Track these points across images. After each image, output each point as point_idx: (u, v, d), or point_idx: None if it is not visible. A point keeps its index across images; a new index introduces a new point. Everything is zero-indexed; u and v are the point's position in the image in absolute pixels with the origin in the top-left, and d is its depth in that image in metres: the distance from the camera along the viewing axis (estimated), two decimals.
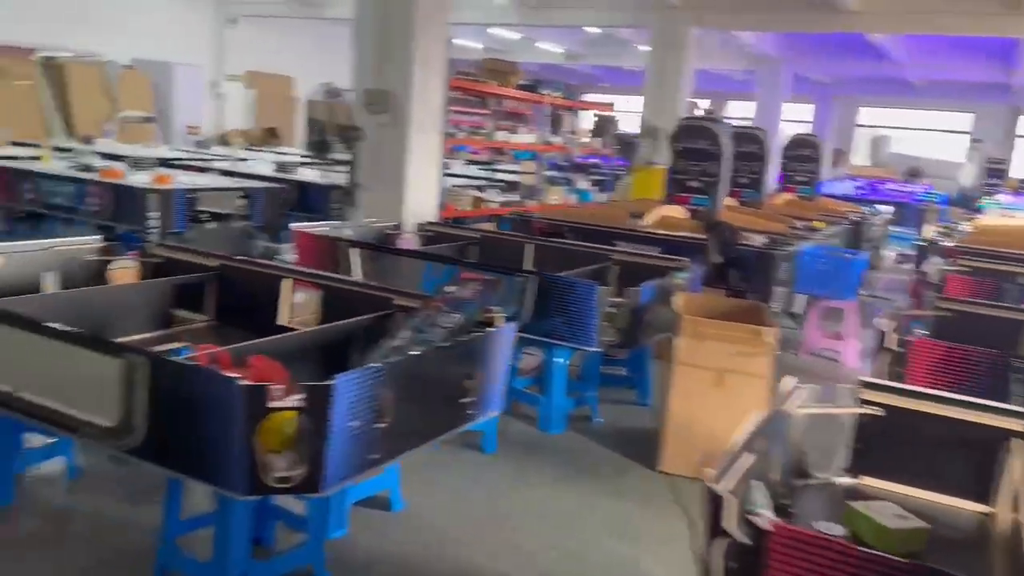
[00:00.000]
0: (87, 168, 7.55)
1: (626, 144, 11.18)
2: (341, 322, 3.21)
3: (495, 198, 8.67)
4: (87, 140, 11.62)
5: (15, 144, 11.68)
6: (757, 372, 4.06)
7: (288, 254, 6.52)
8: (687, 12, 13.05)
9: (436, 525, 3.53)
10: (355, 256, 4.79)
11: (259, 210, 7.61)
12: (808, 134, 13.69)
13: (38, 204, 7.38)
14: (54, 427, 2.60)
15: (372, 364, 2.45)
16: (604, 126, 11.21)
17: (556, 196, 9.56)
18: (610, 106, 11.24)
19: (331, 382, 2.21)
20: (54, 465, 3.50)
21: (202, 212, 7.22)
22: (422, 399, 2.66)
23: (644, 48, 19.68)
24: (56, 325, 2.56)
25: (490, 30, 19.86)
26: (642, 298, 4.58)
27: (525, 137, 8.93)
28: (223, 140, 16.17)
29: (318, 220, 8.51)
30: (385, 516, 3.54)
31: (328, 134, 6.77)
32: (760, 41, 17.61)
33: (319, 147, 6.70)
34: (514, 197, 9.15)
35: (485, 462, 4.26)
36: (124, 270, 4.05)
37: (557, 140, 9.72)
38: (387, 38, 7.12)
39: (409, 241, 5.90)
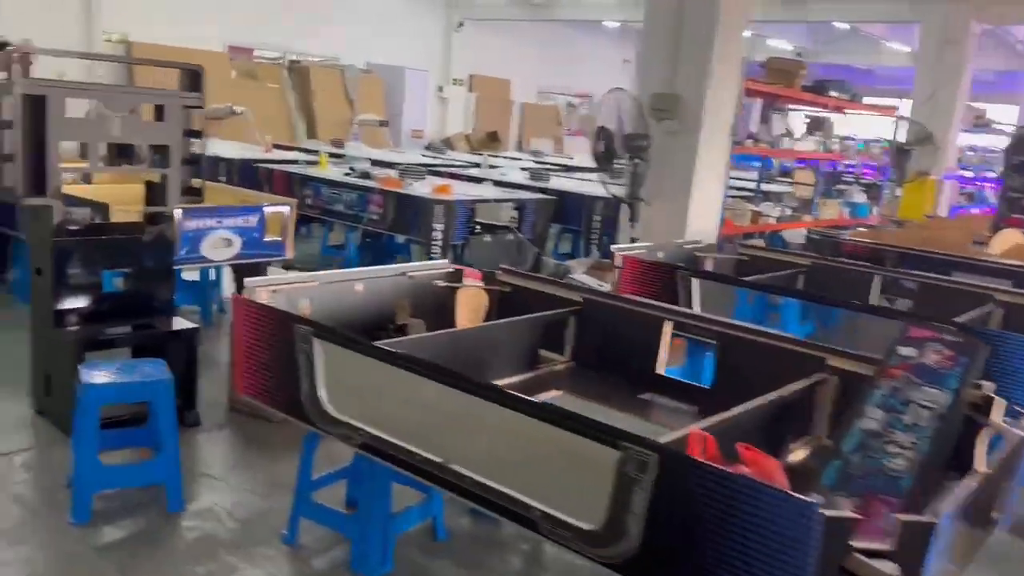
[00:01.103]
0: (365, 175, 7.49)
1: (901, 152, 9.99)
2: (775, 394, 2.61)
3: (771, 212, 7.86)
4: (337, 143, 11.90)
5: (276, 147, 12.16)
6: None
7: (580, 273, 6.08)
8: (966, 4, 11.59)
9: None
10: (696, 288, 4.22)
11: (529, 222, 7.26)
12: None
13: (318, 210, 7.40)
14: (491, 508, 2.17)
15: (960, 491, 1.82)
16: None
17: (831, 210, 8.61)
18: (893, 109, 10.08)
19: (934, 521, 1.61)
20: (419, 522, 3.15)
21: (476, 224, 6.94)
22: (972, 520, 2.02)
23: (895, 46, 18.03)
24: (537, 401, 2.12)
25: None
26: None
27: (806, 144, 8.06)
28: (447, 144, 16.29)
29: (578, 233, 8.12)
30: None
31: (616, 143, 6.21)
32: None
33: (606, 157, 6.16)
34: (785, 211, 8.30)
35: None
36: (473, 297, 3.70)
37: (835, 147, 8.78)
38: (682, 38, 6.53)
39: (721, 265, 5.27)
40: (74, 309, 3.71)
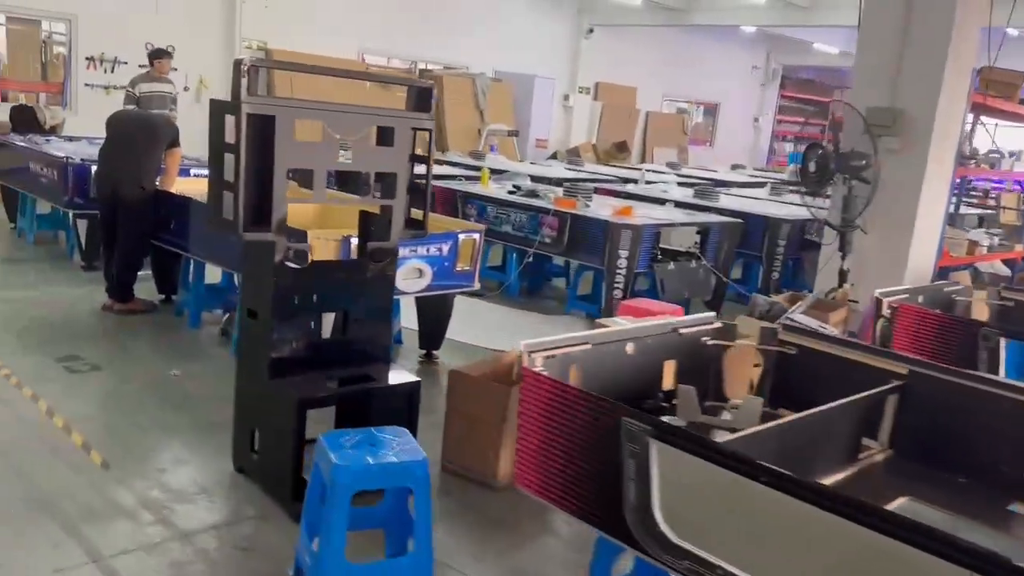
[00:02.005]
0: (532, 194, 6.99)
1: None
2: None
3: (982, 240, 6.97)
4: (474, 155, 11.49)
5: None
6: None
7: (797, 313, 5.39)
8: None
9: None
10: (1003, 350, 3.50)
11: (713, 248, 6.60)
12: None
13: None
14: None
15: None
16: None
17: None
18: None
19: None
20: None
21: (657, 250, 6.33)
22: None
23: None
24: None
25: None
26: None
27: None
28: (574, 154, 15.74)
29: (755, 259, 7.39)
30: None
31: (831, 161, 5.50)
32: None
33: (819, 177, 5.45)
34: (992, 240, 7.36)
35: None
36: (745, 359, 3.10)
37: None
38: (908, 45, 5.76)
39: (983, 312, 4.50)
40: (291, 357, 3.28)
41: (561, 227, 6.34)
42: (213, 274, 5.57)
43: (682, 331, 3.06)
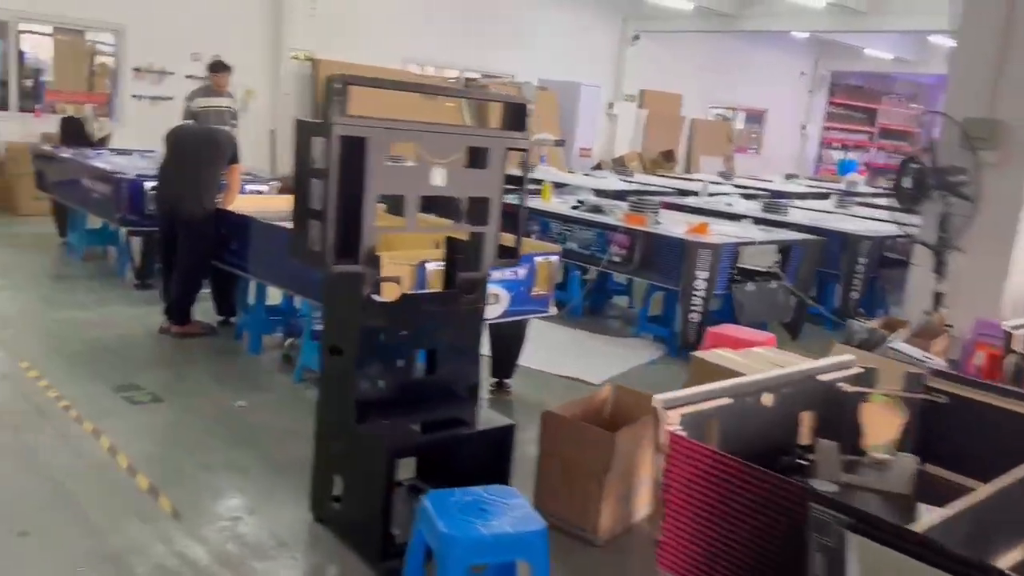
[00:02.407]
0: (596, 209, 6.67)
1: None
2: None
3: None
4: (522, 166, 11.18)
5: None
6: None
7: (899, 342, 5.01)
8: None
9: None
10: None
11: (793, 267, 6.24)
12: None
13: None
14: None
15: None
16: None
17: None
18: None
19: None
20: None
21: (735, 270, 5.98)
22: None
23: None
24: None
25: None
26: None
27: None
28: (620, 164, 15.40)
29: (831, 278, 6.99)
30: None
31: (929, 176, 5.13)
32: None
33: (915, 193, 5.09)
34: None
35: None
36: (887, 410, 2.75)
37: None
38: (1011, 52, 5.38)
39: None
40: (377, 399, 2.99)
41: (631, 245, 6.01)
42: (273, 295, 5.34)
43: (820, 377, 2.74)
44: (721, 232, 6.03)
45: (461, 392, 3.23)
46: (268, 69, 11.96)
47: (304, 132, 2.87)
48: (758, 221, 7.15)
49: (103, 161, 6.93)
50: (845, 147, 22.97)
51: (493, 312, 4.46)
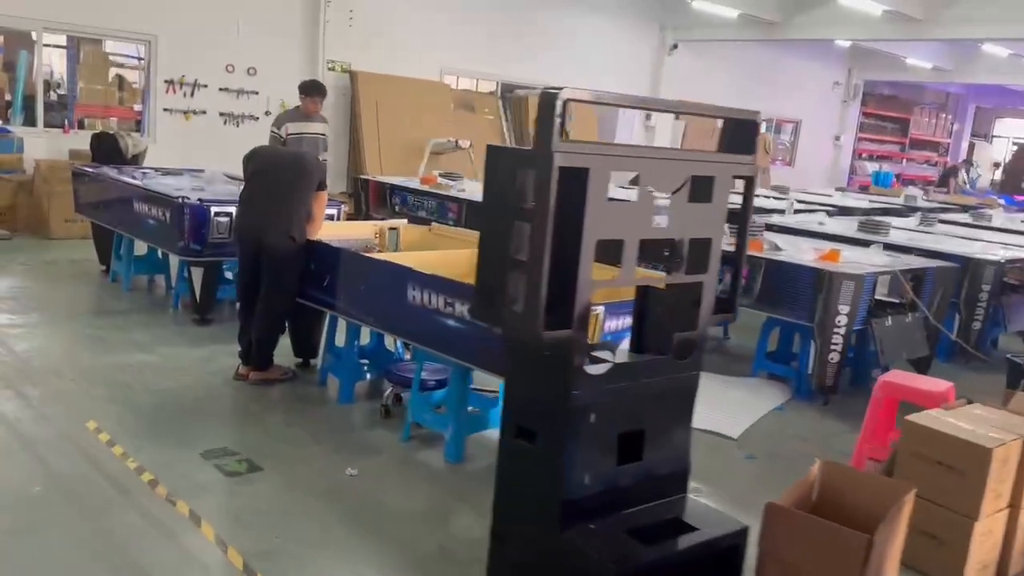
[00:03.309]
0: None
1: None
2: None
3: None
4: None
5: None
6: None
7: None
8: None
9: None
10: None
11: (927, 296, 5.61)
12: None
13: None
14: None
15: None
16: None
17: None
18: None
19: None
20: None
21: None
22: None
23: None
24: None
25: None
26: None
27: None
28: None
29: (958, 308, 6.31)
30: None
31: None
32: None
33: None
34: None
35: None
36: None
37: None
38: None
39: None
40: (584, 496, 2.37)
41: (749, 274, 5.39)
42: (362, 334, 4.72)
43: None
44: (853, 260, 5.39)
45: (672, 483, 2.61)
46: None
47: (502, 162, 2.26)
48: (855, 242, 6.53)
49: (156, 183, 6.30)
50: (875, 157, 22.40)
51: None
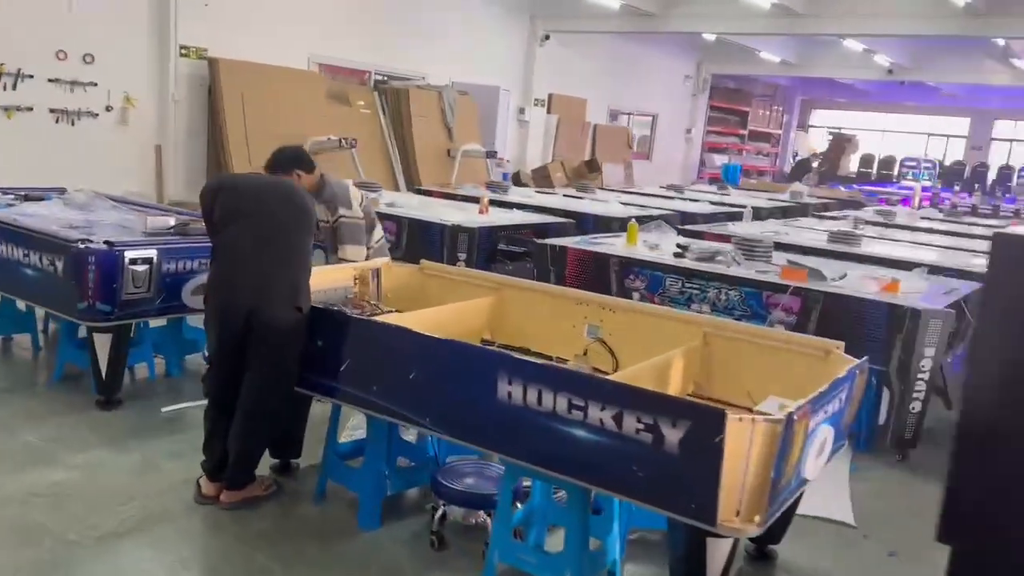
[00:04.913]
0: (713, 255, 5.23)
1: None
2: None
3: None
4: (494, 187, 9.55)
5: (418, 191, 9.74)
6: None
7: None
8: None
9: None
10: None
11: (966, 320, 5.11)
12: None
13: None
14: None
15: None
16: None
17: None
18: None
19: None
20: None
21: None
22: None
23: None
24: None
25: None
26: None
27: None
28: (542, 175, 14.02)
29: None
30: None
31: None
32: None
33: None
34: None
35: None
36: None
37: None
38: None
39: None
40: None
41: (805, 309, 4.63)
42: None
43: None
44: (913, 290, 4.76)
45: None
46: (152, 70, 9.53)
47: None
48: (829, 255, 6.01)
49: (27, 217, 4.59)
50: (720, 150, 22.94)
51: (817, 467, 2.91)
